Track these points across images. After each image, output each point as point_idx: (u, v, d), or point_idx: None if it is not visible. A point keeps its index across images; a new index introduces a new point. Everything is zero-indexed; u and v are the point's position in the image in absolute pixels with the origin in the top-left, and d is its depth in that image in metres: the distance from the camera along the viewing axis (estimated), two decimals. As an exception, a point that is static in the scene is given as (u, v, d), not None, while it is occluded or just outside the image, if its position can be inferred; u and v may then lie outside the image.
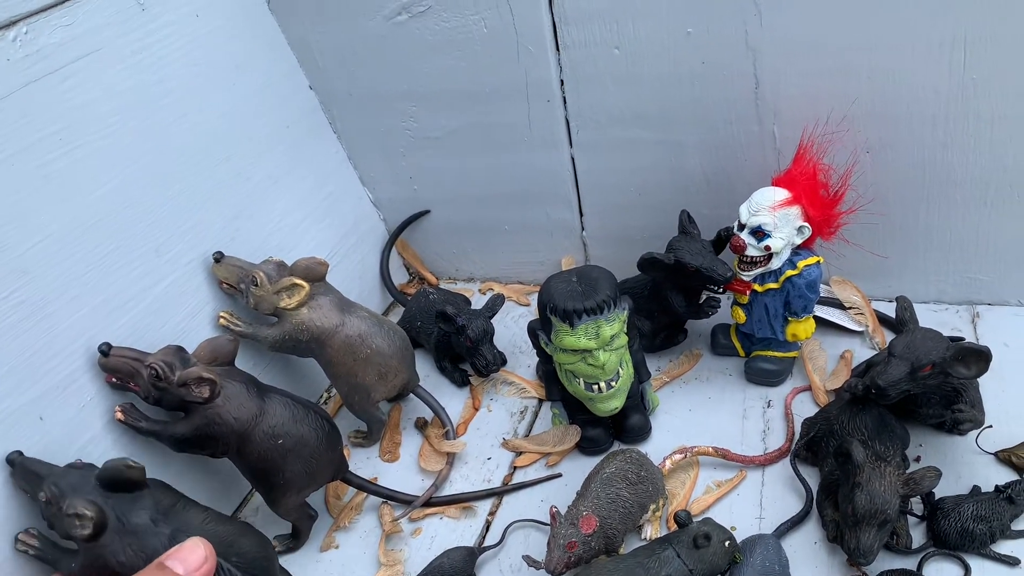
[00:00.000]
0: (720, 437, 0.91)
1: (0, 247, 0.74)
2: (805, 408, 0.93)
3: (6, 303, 0.74)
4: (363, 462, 0.99)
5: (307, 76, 1.11)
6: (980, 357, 0.74)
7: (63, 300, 0.79)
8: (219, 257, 0.93)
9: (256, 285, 0.90)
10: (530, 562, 0.76)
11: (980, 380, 0.82)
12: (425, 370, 1.10)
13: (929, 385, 0.78)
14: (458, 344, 1.04)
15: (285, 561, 0.88)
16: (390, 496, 0.91)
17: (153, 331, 0.87)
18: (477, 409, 1.04)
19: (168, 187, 0.91)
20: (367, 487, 0.91)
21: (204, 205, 0.95)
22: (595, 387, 0.87)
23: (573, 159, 1.08)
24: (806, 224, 0.89)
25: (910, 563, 0.75)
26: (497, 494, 0.92)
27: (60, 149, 0.80)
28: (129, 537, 0.67)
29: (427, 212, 1.22)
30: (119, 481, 0.68)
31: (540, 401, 1.04)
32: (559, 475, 0.93)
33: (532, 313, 1.16)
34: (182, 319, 0.91)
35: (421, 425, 1.02)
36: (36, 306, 0.76)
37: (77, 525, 0.65)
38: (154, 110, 0.90)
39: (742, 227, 0.90)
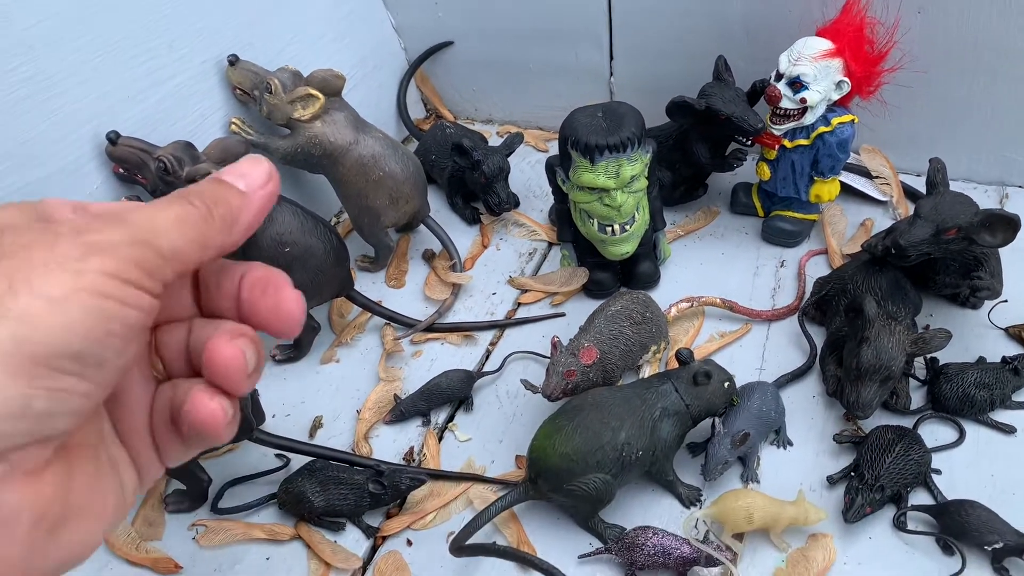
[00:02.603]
0: (730, 292, 0.90)
1: (2, 21, 0.70)
2: (818, 271, 0.91)
3: (12, 76, 0.71)
4: (368, 286, 0.98)
5: None
6: (1009, 225, 0.72)
7: (71, 83, 0.76)
8: (234, 60, 0.89)
9: (270, 93, 0.87)
10: (527, 386, 0.77)
11: (1001, 255, 0.80)
12: (436, 205, 1.08)
13: (951, 250, 0.76)
14: (472, 180, 1.02)
15: (285, 370, 0.89)
16: (393, 318, 0.91)
17: (163, 128, 0.85)
18: (486, 246, 1.03)
19: (184, -20, 0.86)
20: (371, 307, 0.90)
21: (221, 5, 0.90)
22: (609, 229, 0.85)
23: (609, -5, 1.03)
24: (846, 79, 0.85)
25: (906, 423, 0.75)
26: (500, 326, 0.92)
27: (71, -79, 0.75)
28: None
29: (450, 44, 1.17)
30: None
31: (549, 245, 1.02)
32: (563, 314, 0.92)
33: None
34: (193, 119, 0.88)
35: (429, 256, 1.01)
36: (42, 85, 0.74)
37: None
38: None
39: (779, 77, 0.86)
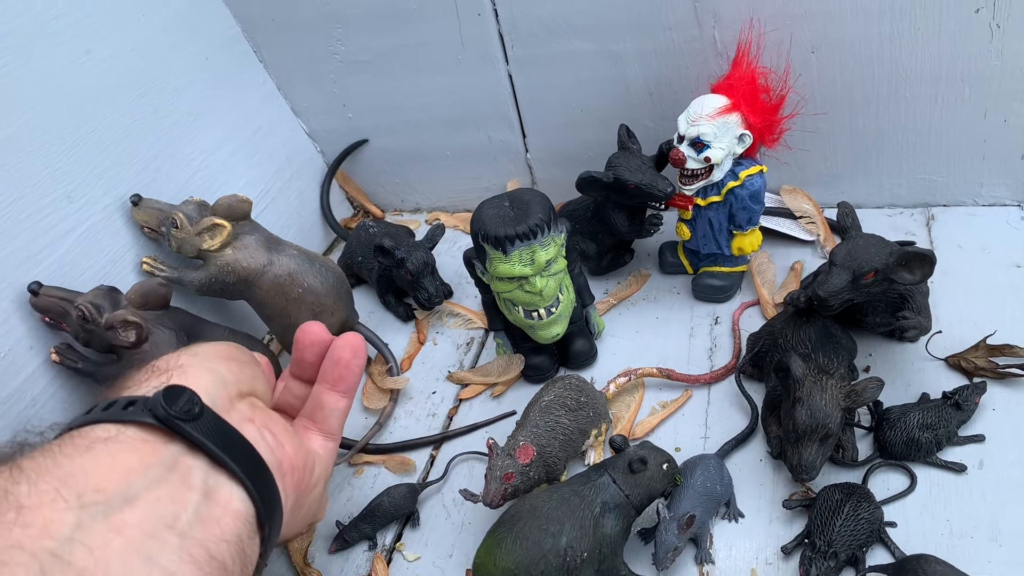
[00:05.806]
0: (667, 357, 0.89)
1: None
2: (754, 323, 0.90)
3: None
4: (307, 403, 0.96)
5: (225, 2, 1.05)
6: (924, 261, 0.71)
7: (-33, 252, 0.75)
8: (136, 200, 0.89)
9: (176, 228, 0.86)
10: (467, 495, 0.74)
11: (932, 283, 0.79)
12: (369, 306, 1.07)
13: (873, 293, 0.75)
14: (399, 278, 1.01)
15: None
16: (332, 436, 0.89)
17: (71, 280, 0.83)
18: (422, 343, 1.01)
19: (76, 130, 0.85)
20: (308, 428, 0.88)
21: (119, 146, 0.90)
22: (535, 314, 0.84)
23: (511, 76, 1.03)
24: (747, 132, 0.84)
25: (856, 476, 0.73)
26: (442, 439, 0.88)
27: (-55, 94, 0.75)
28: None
29: (365, 142, 1.17)
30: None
31: (486, 332, 1.01)
32: (513, 412, 0.89)
33: (480, 241, 1.13)
34: (103, 267, 0.87)
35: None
36: (-64, 260, 0.73)
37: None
38: (52, 47, 0.83)
39: (681, 139, 0.86)
